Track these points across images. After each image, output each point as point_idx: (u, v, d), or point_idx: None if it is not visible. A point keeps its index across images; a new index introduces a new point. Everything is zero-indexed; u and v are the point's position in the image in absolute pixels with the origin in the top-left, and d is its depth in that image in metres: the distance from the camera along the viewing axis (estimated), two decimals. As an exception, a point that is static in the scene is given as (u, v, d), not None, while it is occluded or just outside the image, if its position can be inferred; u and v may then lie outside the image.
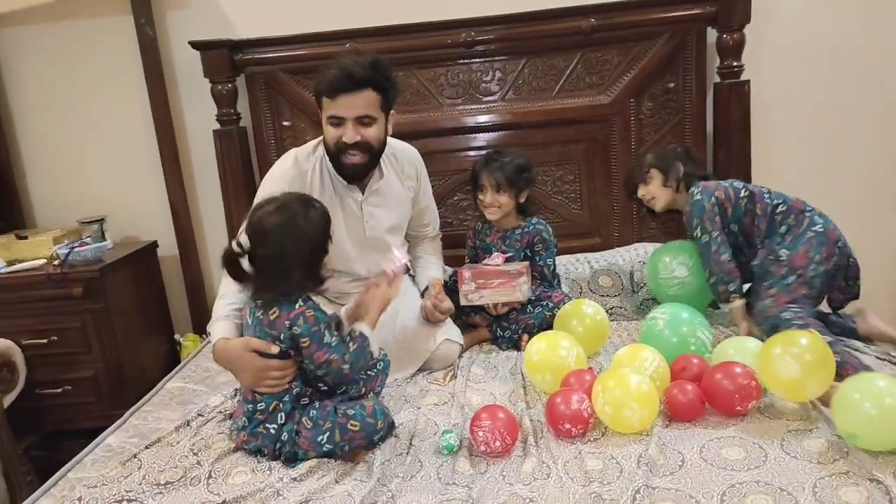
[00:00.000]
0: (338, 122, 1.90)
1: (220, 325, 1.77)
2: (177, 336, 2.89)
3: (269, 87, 2.65)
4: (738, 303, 2.03)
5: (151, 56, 2.68)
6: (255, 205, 1.67)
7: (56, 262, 2.45)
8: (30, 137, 2.86)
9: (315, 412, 1.59)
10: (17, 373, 2.30)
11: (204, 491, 1.49)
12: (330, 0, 2.65)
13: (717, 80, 2.54)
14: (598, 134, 2.63)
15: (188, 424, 1.79)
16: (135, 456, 1.65)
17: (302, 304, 1.57)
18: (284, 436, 1.58)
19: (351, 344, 1.61)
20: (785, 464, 1.41)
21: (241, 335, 1.69)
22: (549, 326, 2.11)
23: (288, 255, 1.55)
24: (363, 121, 1.90)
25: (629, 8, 2.49)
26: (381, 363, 1.84)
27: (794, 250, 1.96)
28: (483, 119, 2.64)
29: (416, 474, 1.51)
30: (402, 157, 2.16)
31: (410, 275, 2.30)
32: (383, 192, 2.10)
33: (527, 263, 2.19)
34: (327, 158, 2.01)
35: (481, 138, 2.66)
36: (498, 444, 1.53)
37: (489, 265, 2.19)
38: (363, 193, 2.07)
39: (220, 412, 1.85)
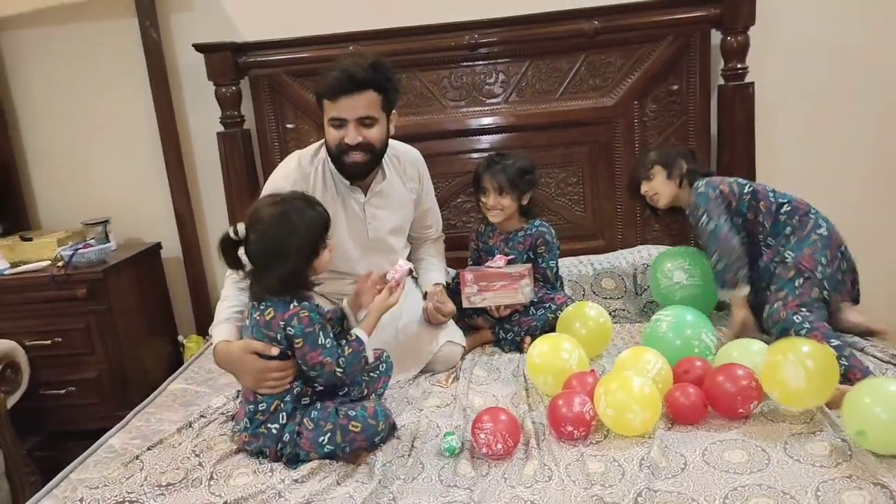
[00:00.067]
0: (339, 123, 1.91)
1: (222, 328, 1.78)
2: (180, 338, 2.90)
3: (272, 89, 2.66)
4: (744, 290, 2.01)
5: (155, 59, 2.68)
6: (259, 198, 1.69)
7: (60, 264, 2.45)
8: (35, 140, 2.88)
9: (316, 413, 1.59)
10: (21, 373, 2.30)
11: (205, 492, 1.49)
12: (333, 3, 2.66)
13: (721, 82, 2.54)
14: (602, 136, 2.63)
15: (190, 426, 1.79)
16: (137, 457, 1.65)
17: (296, 304, 1.57)
18: (286, 436, 1.58)
19: (346, 348, 1.61)
20: (788, 467, 1.41)
21: (243, 337, 1.69)
22: (552, 329, 2.11)
23: (277, 247, 1.55)
24: (365, 122, 1.90)
25: (632, 10, 2.49)
26: (384, 365, 1.84)
27: (799, 252, 1.95)
28: (486, 121, 2.64)
29: (417, 476, 1.51)
30: (404, 159, 2.16)
31: (413, 277, 2.30)
32: (386, 194, 2.10)
33: (529, 266, 2.19)
34: (330, 160, 2.02)
35: (484, 140, 2.66)
36: (500, 446, 1.52)
37: (492, 267, 2.19)
38: (366, 195, 2.07)
39: (222, 413, 1.85)
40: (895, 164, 2.69)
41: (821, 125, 2.67)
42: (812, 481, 1.35)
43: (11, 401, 2.24)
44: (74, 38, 2.75)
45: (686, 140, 2.58)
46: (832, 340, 1.78)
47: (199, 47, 2.55)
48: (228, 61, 2.56)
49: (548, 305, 2.18)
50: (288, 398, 1.61)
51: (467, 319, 2.29)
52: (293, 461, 1.58)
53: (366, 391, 1.77)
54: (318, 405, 1.62)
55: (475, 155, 2.64)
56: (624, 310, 2.37)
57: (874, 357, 1.88)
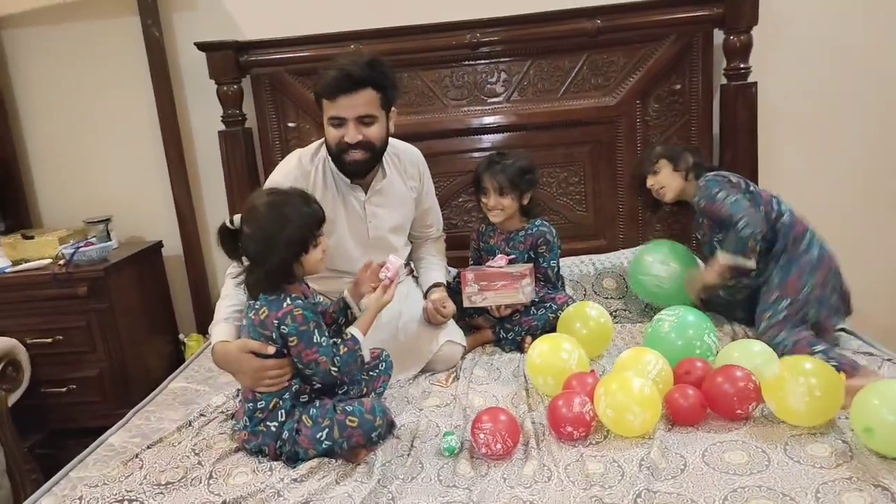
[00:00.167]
0: (339, 122, 1.90)
1: (220, 328, 1.78)
2: (181, 336, 2.91)
3: (274, 88, 2.66)
4: (752, 262, 1.98)
5: (157, 57, 2.68)
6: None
7: (61, 262, 2.45)
8: (36, 138, 2.88)
9: (315, 410, 1.59)
10: (22, 371, 2.31)
11: (205, 491, 1.49)
12: (335, 2, 2.65)
13: (724, 81, 2.53)
14: (604, 136, 2.62)
15: (190, 424, 1.79)
16: (136, 456, 1.65)
17: (290, 302, 1.57)
18: (285, 434, 1.58)
19: (342, 347, 1.61)
20: (788, 468, 1.40)
21: (241, 337, 1.70)
22: (553, 328, 2.10)
23: (267, 238, 1.55)
24: (364, 120, 1.90)
25: (635, 9, 2.48)
26: (384, 364, 1.84)
27: (786, 274, 1.97)
28: (488, 120, 2.64)
29: (416, 476, 1.51)
30: (404, 158, 2.16)
31: (414, 276, 2.30)
32: (386, 192, 2.10)
33: (530, 265, 2.18)
34: (330, 159, 2.01)
35: (486, 140, 2.66)
36: (499, 446, 1.52)
37: (493, 267, 2.18)
38: (366, 193, 2.07)
39: (222, 412, 1.85)
40: (900, 164, 2.68)
41: (823, 125, 2.66)
42: (812, 483, 1.34)
43: (12, 399, 2.25)
44: (76, 36, 2.76)
45: (688, 140, 2.57)
46: (816, 346, 1.80)
47: (200, 46, 2.55)
48: (230, 60, 2.56)
49: (549, 305, 2.18)
50: (287, 396, 1.60)
51: (468, 319, 2.29)
52: (292, 459, 1.58)
53: (365, 390, 1.77)
54: (317, 403, 1.62)
55: (476, 154, 2.64)
56: (625, 310, 2.37)
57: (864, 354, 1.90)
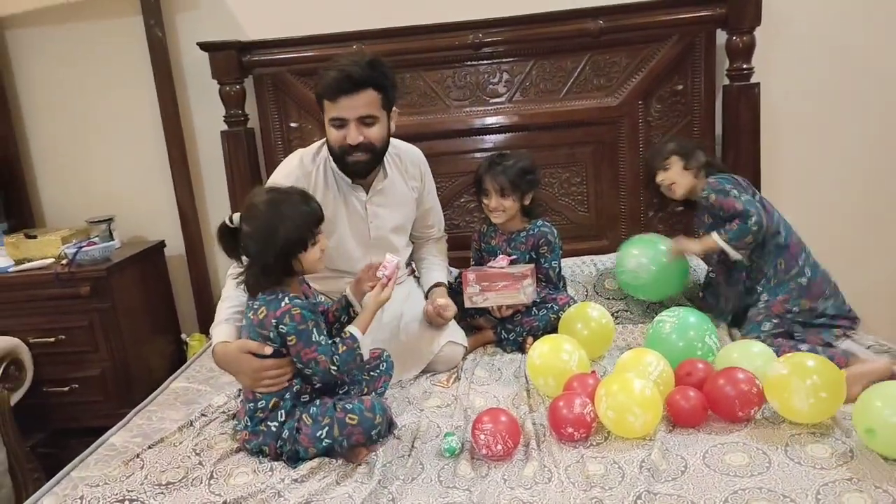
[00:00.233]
0: (340, 123, 1.91)
1: (221, 329, 1.78)
2: (183, 336, 2.91)
3: (276, 88, 2.66)
4: (736, 255, 2.03)
5: (160, 57, 2.69)
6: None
7: (64, 262, 2.46)
8: (39, 138, 2.88)
9: (315, 409, 1.60)
10: (25, 371, 2.31)
11: (205, 491, 1.49)
12: (338, 2, 2.66)
13: (727, 82, 2.53)
14: (606, 136, 2.62)
15: (191, 424, 1.79)
16: (137, 455, 1.66)
17: (288, 301, 1.57)
18: (285, 433, 1.58)
19: (341, 346, 1.61)
20: (789, 470, 1.40)
21: (241, 337, 1.70)
22: (554, 329, 2.10)
23: (265, 234, 1.55)
24: (365, 121, 1.90)
25: (637, 10, 2.48)
26: (384, 364, 1.84)
27: (773, 297, 1.98)
28: (490, 121, 2.64)
29: (417, 477, 1.51)
30: (406, 158, 2.16)
31: (415, 276, 2.30)
32: (387, 192, 2.10)
33: (532, 266, 2.18)
34: (331, 159, 2.01)
35: (488, 140, 2.66)
36: (499, 447, 1.52)
37: (494, 267, 2.18)
38: (367, 193, 2.07)
39: (223, 412, 1.85)
40: (903, 165, 2.68)
41: (823, 125, 2.66)
42: (813, 484, 1.34)
43: (15, 398, 2.25)
44: (79, 36, 2.76)
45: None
46: (801, 346, 1.84)
47: (203, 46, 2.55)
48: (233, 60, 2.56)
49: (550, 306, 2.18)
50: (287, 396, 1.61)
51: (469, 319, 2.29)
52: (293, 459, 1.58)
53: (366, 390, 1.77)
54: (318, 401, 1.62)
55: (479, 154, 2.64)
56: (626, 310, 2.36)
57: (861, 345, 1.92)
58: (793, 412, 1.56)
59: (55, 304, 2.45)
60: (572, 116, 2.60)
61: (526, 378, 1.94)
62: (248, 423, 1.62)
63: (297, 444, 1.57)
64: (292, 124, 2.70)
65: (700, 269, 2.40)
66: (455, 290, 2.22)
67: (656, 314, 2.03)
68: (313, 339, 1.57)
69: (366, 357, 1.68)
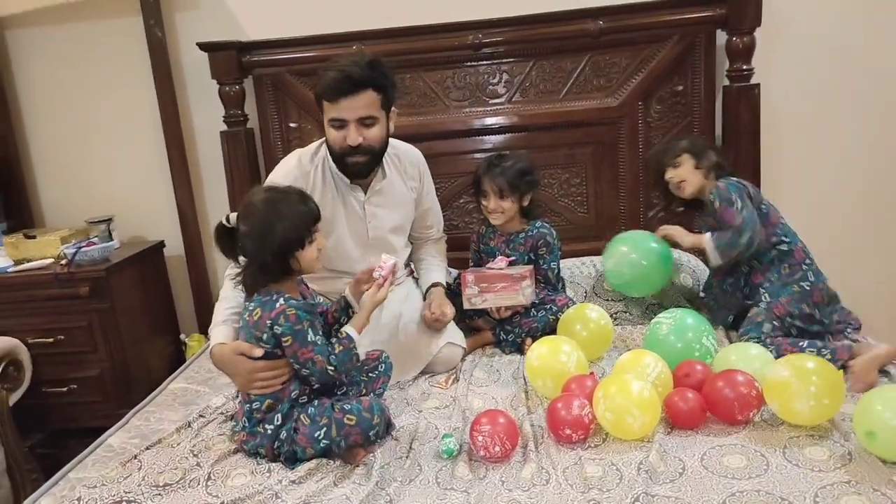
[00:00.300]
0: (340, 124, 1.90)
1: (219, 330, 1.78)
2: (182, 336, 2.91)
3: (276, 88, 2.66)
4: (717, 261, 2.06)
5: (160, 57, 2.69)
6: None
7: (63, 262, 2.46)
8: (39, 138, 2.88)
9: (313, 409, 1.59)
10: (24, 371, 2.31)
11: (203, 493, 1.49)
12: (337, 2, 2.65)
13: (727, 83, 2.52)
14: (606, 137, 2.62)
15: (189, 425, 1.79)
16: (135, 457, 1.66)
17: (283, 302, 1.57)
18: (283, 434, 1.58)
19: (337, 346, 1.61)
20: (787, 472, 1.40)
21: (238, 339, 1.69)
22: (553, 330, 2.10)
23: (262, 233, 1.55)
24: (365, 121, 1.90)
25: (638, 10, 2.48)
26: (383, 365, 1.84)
27: (775, 299, 1.98)
28: (490, 121, 2.63)
29: (414, 478, 1.51)
30: (404, 158, 2.15)
31: (414, 277, 2.30)
32: (386, 193, 2.09)
33: (530, 267, 2.18)
34: (330, 159, 2.01)
35: (488, 141, 2.65)
36: (497, 449, 1.52)
37: (493, 269, 2.18)
38: (366, 193, 2.07)
39: (221, 413, 1.85)
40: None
41: (823, 125, 2.65)
42: (811, 487, 1.34)
43: (14, 398, 2.25)
44: (79, 36, 2.76)
45: (690, 141, 2.56)
46: (801, 343, 1.85)
47: (203, 46, 2.55)
48: (232, 60, 2.56)
49: (549, 307, 2.17)
50: (286, 401, 1.60)
51: (468, 321, 2.28)
52: (290, 460, 1.58)
53: (365, 391, 1.77)
54: (316, 402, 1.62)
55: (478, 155, 2.63)
56: (626, 312, 2.36)
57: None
58: (793, 415, 1.55)
59: (54, 305, 2.45)
60: (572, 117, 2.59)
61: (524, 379, 1.94)
62: (246, 425, 1.62)
63: (295, 445, 1.57)
64: (292, 124, 2.70)
65: (700, 269, 2.39)
66: (454, 292, 2.22)
67: (655, 315, 2.02)
68: (309, 340, 1.56)
69: (362, 357, 1.67)
